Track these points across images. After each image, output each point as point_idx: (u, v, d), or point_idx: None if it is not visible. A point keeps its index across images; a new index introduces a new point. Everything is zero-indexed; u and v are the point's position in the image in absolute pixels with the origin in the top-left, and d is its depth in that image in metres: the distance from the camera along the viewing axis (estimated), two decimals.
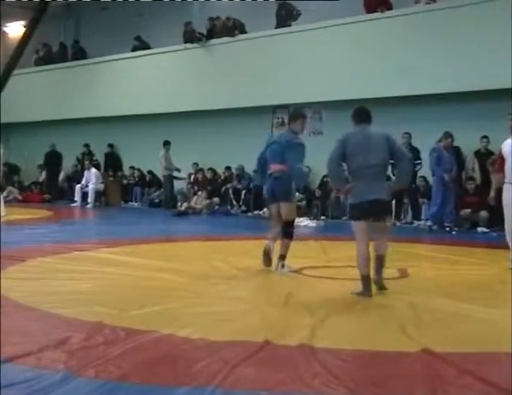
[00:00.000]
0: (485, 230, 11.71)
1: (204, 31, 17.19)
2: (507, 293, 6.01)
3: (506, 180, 7.37)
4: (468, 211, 12.11)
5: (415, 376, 3.52)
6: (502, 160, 7.52)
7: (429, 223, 11.90)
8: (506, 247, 9.09)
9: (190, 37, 17.18)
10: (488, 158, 12.02)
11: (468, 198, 12.21)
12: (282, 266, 6.85)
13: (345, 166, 5.94)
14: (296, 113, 7.43)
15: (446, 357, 3.79)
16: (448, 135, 11.86)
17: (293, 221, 7.07)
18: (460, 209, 12.15)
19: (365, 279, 5.66)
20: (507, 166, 7.33)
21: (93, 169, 18.21)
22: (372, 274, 5.72)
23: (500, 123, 11.93)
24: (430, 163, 11.97)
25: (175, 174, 16.93)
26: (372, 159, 5.69)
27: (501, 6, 11.93)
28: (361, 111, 5.99)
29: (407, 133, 12.98)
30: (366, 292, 5.62)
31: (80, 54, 20.49)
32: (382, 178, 5.91)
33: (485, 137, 12.40)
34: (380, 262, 5.80)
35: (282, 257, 6.88)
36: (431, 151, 12.07)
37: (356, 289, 5.68)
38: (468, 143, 12.56)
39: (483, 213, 11.91)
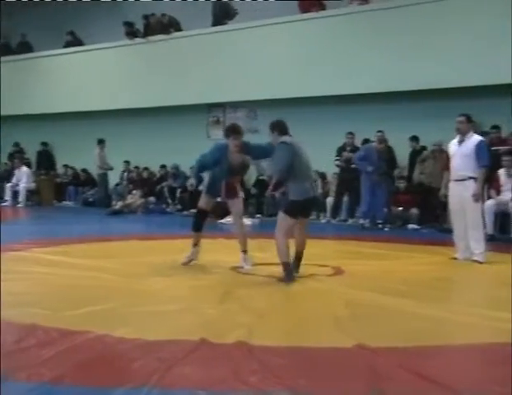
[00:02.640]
0: (415, 226, 12.00)
1: (140, 28, 17.07)
2: (439, 287, 6.20)
3: (451, 178, 7.70)
4: (400, 208, 12.39)
5: (350, 371, 3.58)
6: (449, 157, 7.93)
7: (361, 221, 12.10)
8: (437, 243, 9.38)
9: (132, 33, 16.99)
10: (418, 156, 12.32)
11: (400, 196, 12.48)
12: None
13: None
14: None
15: (380, 352, 3.87)
16: (382, 140, 12.01)
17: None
18: (392, 207, 12.40)
19: (289, 265, 6.29)
20: (451, 165, 7.70)
21: (24, 168, 17.81)
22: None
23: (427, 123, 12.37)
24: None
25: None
26: (309, 162, 6.45)
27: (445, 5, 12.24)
28: (285, 124, 6.50)
29: (350, 133, 13.12)
30: (290, 278, 6.19)
31: (25, 49, 19.90)
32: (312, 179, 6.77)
33: (414, 137, 12.69)
34: (301, 256, 6.57)
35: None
36: (360, 148, 12.28)
37: (279, 276, 6.27)
38: (401, 142, 12.79)
39: (414, 211, 12.22)
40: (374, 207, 11.89)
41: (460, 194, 7.59)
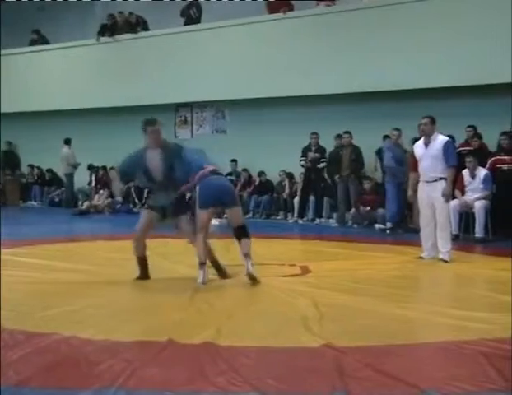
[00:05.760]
0: (382, 226, 12.08)
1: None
2: (405, 287, 6.27)
3: (420, 179, 7.79)
4: (367, 208, 12.48)
5: (317, 370, 3.60)
6: (415, 159, 7.98)
7: (389, 225, 11.55)
8: (403, 243, 9.47)
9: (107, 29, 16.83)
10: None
11: (367, 197, 12.56)
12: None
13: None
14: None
15: (347, 351, 3.90)
16: (399, 131, 11.58)
17: None
18: (359, 207, 12.47)
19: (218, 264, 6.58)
20: (420, 167, 7.78)
21: None
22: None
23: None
24: (387, 161, 11.61)
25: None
26: None
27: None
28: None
29: (314, 133, 13.13)
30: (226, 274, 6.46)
31: None
32: None
33: (387, 136, 12.77)
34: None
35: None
36: (385, 148, 11.85)
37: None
38: (370, 142, 12.85)
39: (380, 211, 12.29)
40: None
41: (430, 195, 7.69)
